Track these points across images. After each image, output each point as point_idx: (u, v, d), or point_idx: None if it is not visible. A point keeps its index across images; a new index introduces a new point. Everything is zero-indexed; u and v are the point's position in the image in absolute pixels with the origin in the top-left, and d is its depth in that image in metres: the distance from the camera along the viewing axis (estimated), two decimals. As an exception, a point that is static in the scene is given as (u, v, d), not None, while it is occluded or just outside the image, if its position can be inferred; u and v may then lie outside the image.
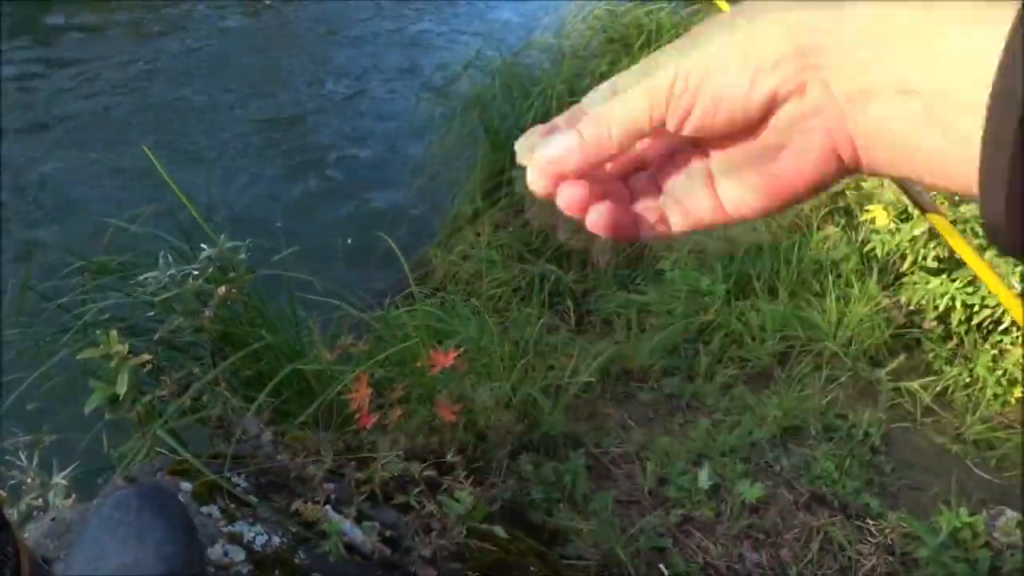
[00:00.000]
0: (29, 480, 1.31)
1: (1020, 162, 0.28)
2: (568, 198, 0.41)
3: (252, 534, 1.24)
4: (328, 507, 1.38)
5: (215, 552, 1.15)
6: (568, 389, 2.35)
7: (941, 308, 2.61)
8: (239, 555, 1.17)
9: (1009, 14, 0.28)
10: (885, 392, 2.56)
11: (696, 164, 0.42)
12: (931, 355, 2.69)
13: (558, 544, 1.87)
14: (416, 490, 1.52)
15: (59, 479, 1.28)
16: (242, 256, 1.75)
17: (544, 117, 4.19)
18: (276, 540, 1.25)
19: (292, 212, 4.26)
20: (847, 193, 2.96)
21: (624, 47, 4.82)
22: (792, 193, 0.39)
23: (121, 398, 1.53)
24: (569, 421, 2.29)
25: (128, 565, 0.87)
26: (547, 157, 0.40)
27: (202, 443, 1.64)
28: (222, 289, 1.66)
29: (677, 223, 0.44)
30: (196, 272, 1.64)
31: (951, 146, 0.31)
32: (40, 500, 1.31)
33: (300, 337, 1.91)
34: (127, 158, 4.00)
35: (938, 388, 2.58)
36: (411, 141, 4.91)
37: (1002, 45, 0.28)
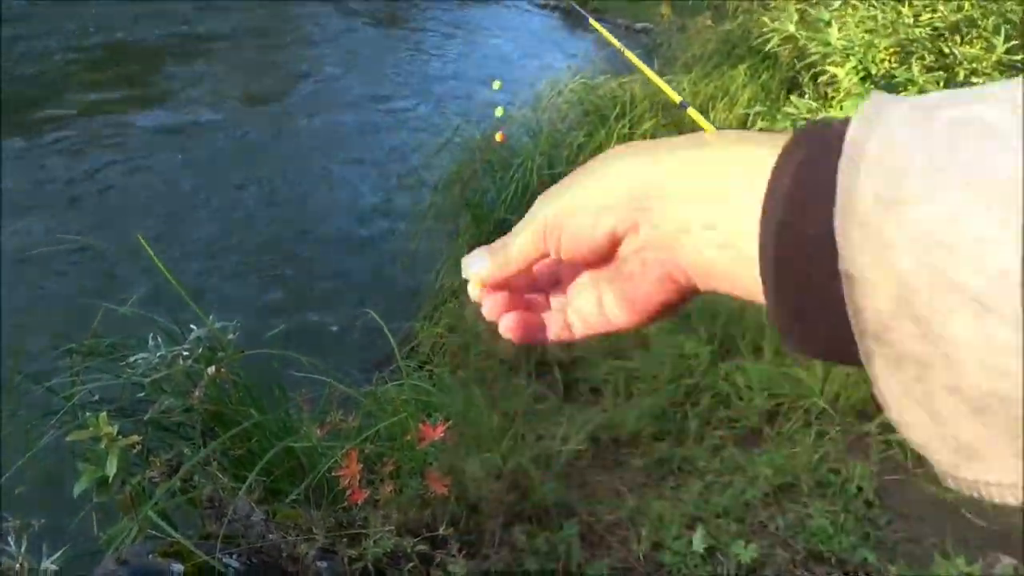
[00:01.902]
0: (19, 565, 1.29)
1: (773, 286, 0.36)
2: (487, 307, 0.51)
3: (245, 614, 1.23)
4: (321, 585, 1.37)
5: (209, 633, 1.14)
6: (559, 457, 2.35)
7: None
8: (233, 636, 1.16)
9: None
10: (875, 445, 2.58)
11: (587, 279, 0.50)
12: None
13: (555, 615, 1.86)
14: (409, 565, 1.51)
15: (48, 563, 1.27)
16: (231, 336, 1.77)
17: (524, 190, 4.28)
18: (270, 619, 1.24)
19: (277, 289, 4.29)
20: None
21: (600, 118, 4.94)
22: (648, 312, 0.46)
23: (111, 480, 1.53)
24: (561, 489, 2.28)
25: (123, 647, 0.86)
26: (470, 271, 0.50)
27: (193, 523, 1.63)
28: (212, 369, 1.68)
29: (577, 329, 0.51)
30: (186, 352, 1.66)
31: (742, 266, 0.38)
32: (30, 587, 1.30)
33: (289, 415, 1.91)
34: (116, 241, 4.05)
35: (927, 439, 2.60)
36: (394, 218, 4.98)
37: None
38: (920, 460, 2.58)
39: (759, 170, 0.37)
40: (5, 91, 6.34)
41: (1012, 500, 0.31)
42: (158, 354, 1.64)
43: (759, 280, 0.37)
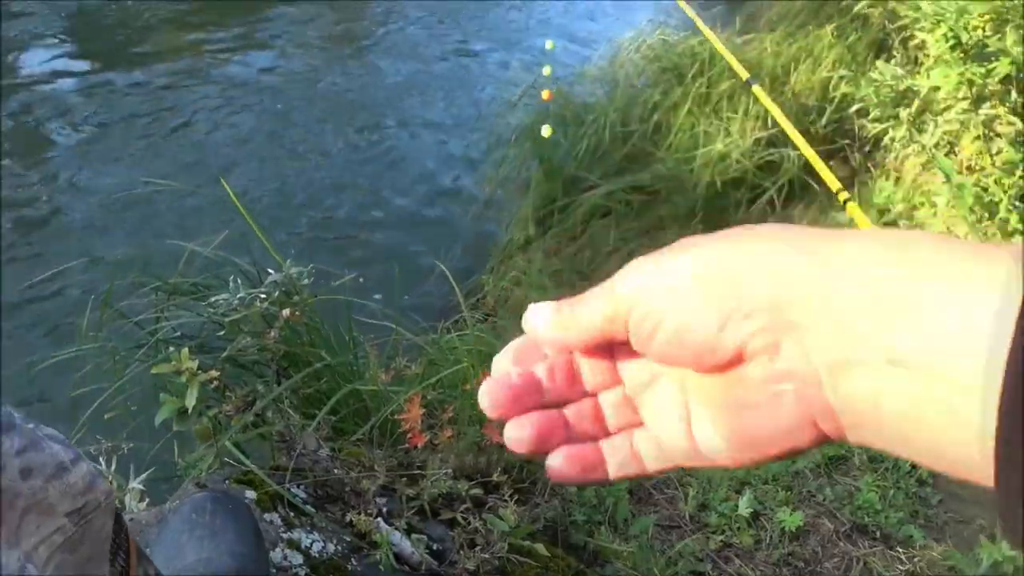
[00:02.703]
0: (109, 483, 1.42)
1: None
2: (516, 440, 0.40)
3: (309, 541, 1.33)
4: (380, 519, 1.47)
5: (276, 555, 1.24)
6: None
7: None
8: (297, 559, 1.27)
9: (1002, 287, 0.26)
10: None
11: (672, 388, 0.38)
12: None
13: (598, 565, 1.93)
14: (463, 507, 1.60)
15: (135, 484, 1.39)
16: (305, 281, 1.86)
17: (597, 146, 4.28)
18: (331, 548, 1.34)
19: (352, 235, 4.40)
20: (900, 224, 2.98)
21: (677, 76, 4.88)
22: (763, 454, 0.35)
23: (190, 411, 1.65)
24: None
25: (203, 561, 0.96)
26: (528, 322, 0.39)
27: (261, 457, 1.74)
28: (286, 312, 1.77)
29: (651, 462, 0.39)
30: (263, 295, 1.76)
31: (951, 428, 0.27)
32: (118, 502, 1.42)
33: (357, 359, 2.01)
34: (199, 184, 4.21)
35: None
36: (466, 169, 5.04)
37: (1003, 326, 0.26)
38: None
39: (980, 290, 0.27)
40: (93, 27, 6.54)
41: None
42: (237, 295, 1.74)
43: (986, 455, 0.26)
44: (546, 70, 4.25)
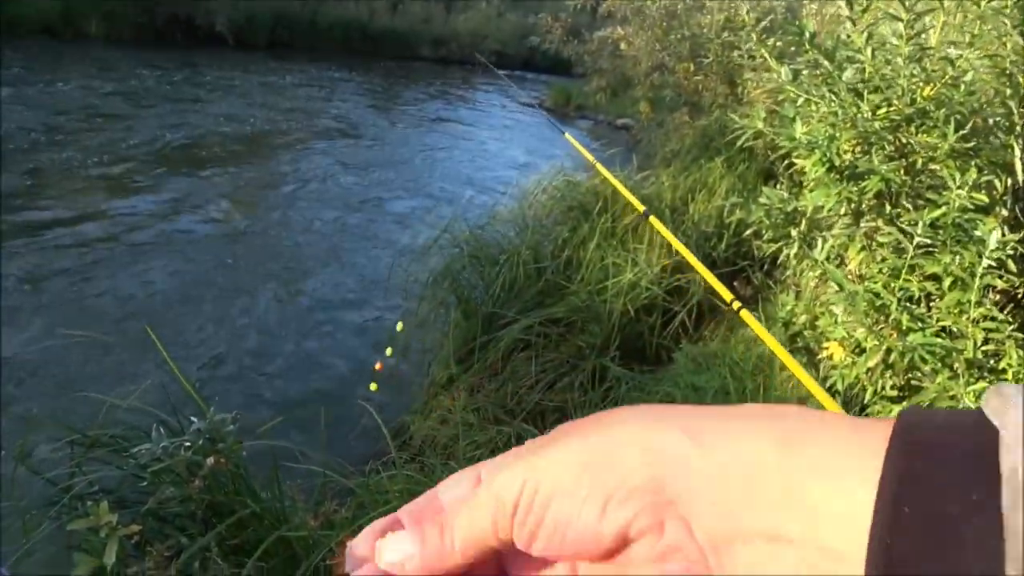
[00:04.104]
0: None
1: None
2: None
3: None
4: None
5: None
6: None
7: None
8: None
9: (877, 463, 0.27)
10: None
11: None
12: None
13: None
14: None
15: (53, 653, 1.30)
16: (230, 427, 1.83)
17: (512, 283, 4.38)
18: None
19: (274, 379, 4.34)
20: (805, 334, 3.12)
21: (583, 213, 5.10)
22: None
23: (108, 569, 1.56)
24: None
25: None
26: (384, 559, 0.34)
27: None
28: (211, 460, 1.73)
29: None
30: (187, 443, 1.71)
31: None
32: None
33: (284, 505, 1.95)
34: (120, 335, 4.13)
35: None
36: (386, 311, 5.07)
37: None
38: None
39: (862, 489, 0.27)
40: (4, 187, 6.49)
41: None
42: (160, 444, 1.69)
43: None
44: (399, 326, 4.24)
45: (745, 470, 0.29)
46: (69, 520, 1.56)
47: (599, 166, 4.18)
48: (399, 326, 4.24)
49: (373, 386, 3.66)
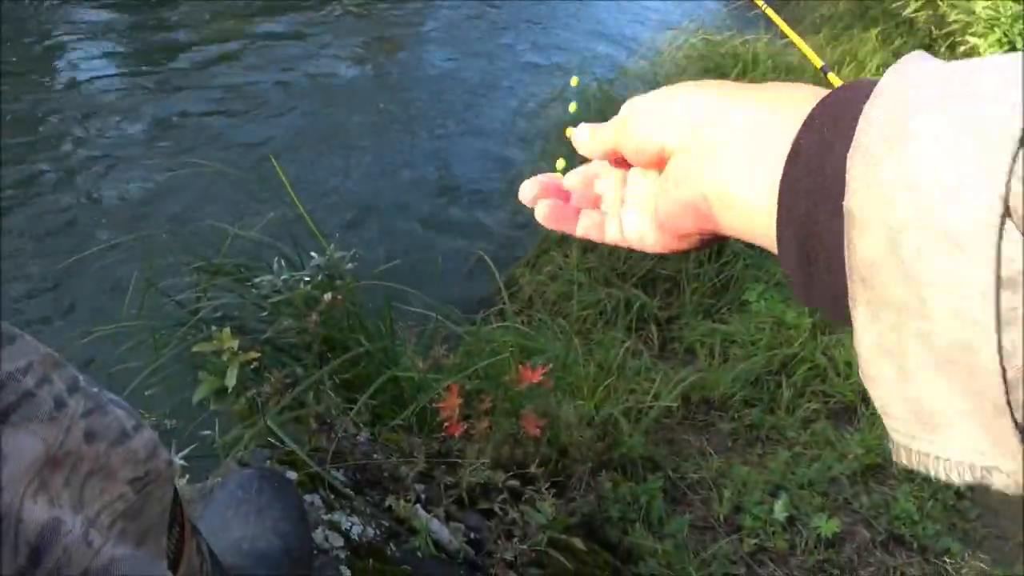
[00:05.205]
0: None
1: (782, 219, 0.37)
2: (538, 213, 0.55)
3: (349, 524, 1.32)
4: (418, 506, 1.46)
5: (318, 536, 1.24)
6: (649, 413, 2.39)
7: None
8: (338, 541, 1.26)
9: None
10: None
11: (645, 191, 0.51)
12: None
13: (632, 562, 1.91)
14: (500, 497, 1.59)
15: (178, 460, 1.39)
16: (348, 265, 1.86)
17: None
18: (370, 532, 1.33)
19: (395, 222, 4.40)
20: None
21: (719, 76, 4.83)
22: (674, 235, 0.48)
23: (229, 390, 1.65)
24: (648, 444, 2.33)
25: (248, 538, 0.96)
26: (574, 134, 0.53)
27: (296, 440, 1.74)
28: (328, 296, 1.77)
29: (611, 233, 0.53)
30: (307, 278, 1.75)
31: (762, 197, 0.39)
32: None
33: (395, 345, 2.00)
34: (249, 169, 4.25)
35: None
36: (506, 163, 5.02)
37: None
38: None
39: (800, 112, 0.38)
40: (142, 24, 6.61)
41: (956, 478, 0.31)
42: (281, 277, 1.74)
43: (773, 214, 0.38)
44: (573, 80, 4.16)
45: (741, 117, 0.42)
46: (196, 342, 1.64)
47: (770, 11, 3.84)
48: (573, 80, 4.22)
49: (572, 106, 3.71)
